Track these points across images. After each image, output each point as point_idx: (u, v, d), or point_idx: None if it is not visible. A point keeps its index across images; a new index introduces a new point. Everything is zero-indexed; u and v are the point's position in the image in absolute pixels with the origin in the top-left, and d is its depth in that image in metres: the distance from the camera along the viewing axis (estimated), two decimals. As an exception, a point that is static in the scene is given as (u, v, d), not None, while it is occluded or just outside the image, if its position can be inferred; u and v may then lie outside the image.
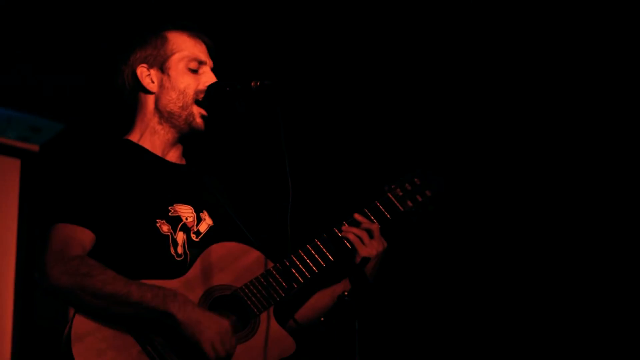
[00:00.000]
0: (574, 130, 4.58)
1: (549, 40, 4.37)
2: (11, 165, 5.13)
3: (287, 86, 2.66)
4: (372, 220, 2.76)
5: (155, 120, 2.77)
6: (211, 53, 2.86)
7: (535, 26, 4.32)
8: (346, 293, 2.70)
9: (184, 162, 2.84)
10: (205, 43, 2.85)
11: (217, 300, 2.56)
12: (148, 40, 2.80)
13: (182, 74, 2.76)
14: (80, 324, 2.41)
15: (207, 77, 2.78)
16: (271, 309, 2.61)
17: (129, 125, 2.82)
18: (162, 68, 2.77)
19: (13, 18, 4.29)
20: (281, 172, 2.53)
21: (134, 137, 2.78)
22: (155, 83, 2.77)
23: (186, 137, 2.79)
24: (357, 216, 2.76)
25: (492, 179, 4.80)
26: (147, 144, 2.77)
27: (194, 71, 2.78)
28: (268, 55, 4.56)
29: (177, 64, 2.77)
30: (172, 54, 2.78)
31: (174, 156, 2.80)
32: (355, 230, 2.71)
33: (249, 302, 2.57)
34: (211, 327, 2.41)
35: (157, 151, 2.76)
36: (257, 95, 2.69)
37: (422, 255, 4.99)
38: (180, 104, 2.75)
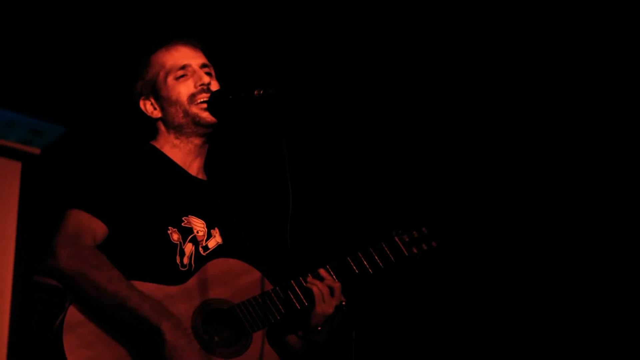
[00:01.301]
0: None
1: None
2: (12, 168, 5.12)
3: (291, 95, 2.67)
4: (376, 262, 2.77)
5: (172, 137, 2.84)
6: (198, 48, 2.90)
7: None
8: (344, 303, 2.72)
9: (205, 177, 2.87)
10: (186, 44, 2.88)
11: (212, 313, 2.58)
12: (137, 73, 2.89)
13: (171, 87, 2.81)
14: (74, 314, 2.43)
15: (196, 78, 2.82)
16: (265, 330, 2.63)
17: (153, 134, 2.89)
18: (155, 92, 2.84)
19: (16, 20, 4.30)
20: (285, 181, 2.54)
21: (158, 145, 2.85)
22: (157, 109, 2.84)
23: (209, 134, 2.82)
24: (322, 271, 2.74)
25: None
26: (169, 154, 2.83)
27: (182, 76, 2.82)
28: (273, 65, 4.57)
29: (164, 81, 2.83)
30: (157, 75, 2.84)
31: (195, 169, 2.84)
32: (319, 284, 2.69)
33: (243, 320, 2.59)
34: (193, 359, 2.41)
35: (179, 163, 2.82)
36: (260, 104, 2.70)
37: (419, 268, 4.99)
38: (181, 114, 2.80)
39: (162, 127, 2.85)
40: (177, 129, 2.81)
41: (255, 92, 2.71)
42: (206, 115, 2.78)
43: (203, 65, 2.85)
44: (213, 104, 2.78)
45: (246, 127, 2.75)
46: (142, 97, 2.86)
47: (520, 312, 4.75)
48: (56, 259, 2.45)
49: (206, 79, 2.80)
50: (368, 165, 5.04)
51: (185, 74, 2.81)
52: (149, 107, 2.85)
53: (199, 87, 2.79)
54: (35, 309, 4.95)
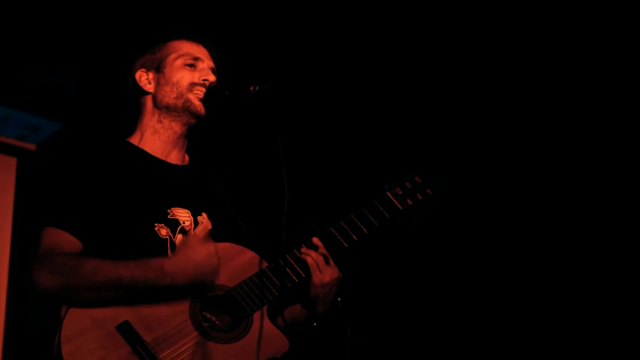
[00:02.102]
0: (574, 131, 4.59)
1: (549, 39, 4.38)
2: (7, 164, 5.13)
3: (286, 91, 2.67)
4: (370, 221, 2.72)
5: (155, 119, 2.81)
6: (213, 56, 2.91)
7: (536, 25, 4.34)
8: (339, 299, 2.71)
9: (186, 162, 2.86)
10: (205, 46, 2.91)
11: (210, 300, 2.56)
12: (148, 48, 2.88)
13: (177, 69, 2.82)
14: (69, 326, 2.41)
15: (204, 73, 2.82)
16: (264, 309, 2.60)
17: (132, 128, 2.85)
18: (159, 68, 2.84)
19: (12, 17, 4.29)
20: (280, 175, 2.54)
21: (134, 139, 2.82)
22: (152, 84, 2.83)
23: (191, 127, 2.82)
24: (315, 240, 2.69)
25: (494, 179, 4.79)
26: (147, 145, 2.79)
27: (191, 65, 2.83)
28: (267, 60, 4.57)
29: (173, 62, 2.83)
30: (169, 55, 2.85)
31: (175, 157, 2.82)
32: (313, 253, 2.66)
33: (242, 302, 2.57)
34: (198, 261, 2.47)
35: (157, 153, 2.79)
36: (256, 99, 2.70)
37: (415, 258, 4.99)
38: (175, 95, 2.79)
39: (149, 105, 2.83)
40: (163, 109, 2.80)
41: (251, 88, 2.71)
42: (198, 104, 2.78)
43: (212, 70, 2.88)
44: (208, 101, 2.78)
45: (242, 122, 2.74)
46: (142, 69, 2.84)
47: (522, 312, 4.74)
48: (37, 283, 2.43)
49: (212, 78, 2.82)
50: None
51: (195, 65, 2.84)
52: (144, 79, 2.83)
53: (202, 81, 2.81)
54: (31, 305, 4.95)
